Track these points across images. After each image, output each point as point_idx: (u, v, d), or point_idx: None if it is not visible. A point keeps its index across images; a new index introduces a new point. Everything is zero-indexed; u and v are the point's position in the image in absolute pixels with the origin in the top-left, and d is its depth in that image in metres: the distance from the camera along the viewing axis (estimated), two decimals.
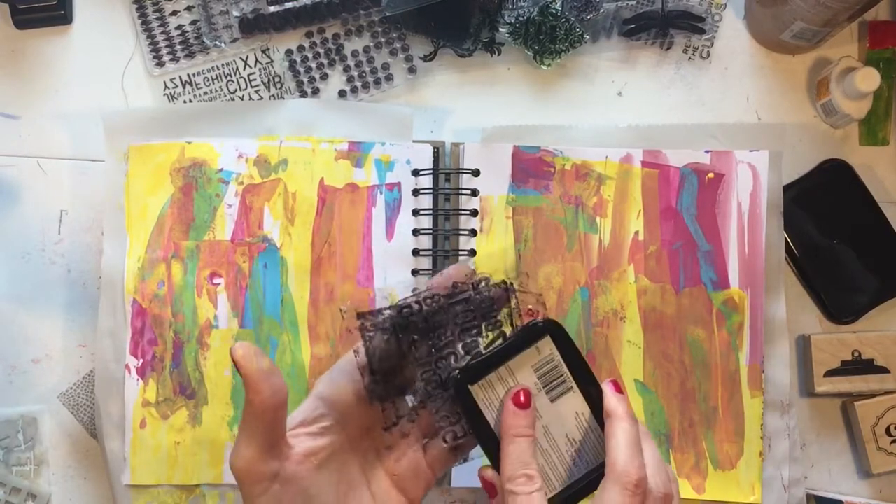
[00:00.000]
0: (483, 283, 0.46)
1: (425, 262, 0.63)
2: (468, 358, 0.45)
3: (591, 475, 0.45)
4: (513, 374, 0.45)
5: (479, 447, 0.47)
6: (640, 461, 0.43)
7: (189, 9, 0.68)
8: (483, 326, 0.46)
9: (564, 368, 0.46)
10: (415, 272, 0.63)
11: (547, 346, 0.45)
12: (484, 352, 0.45)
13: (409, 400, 0.46)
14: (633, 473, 0.42)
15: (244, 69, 0.67)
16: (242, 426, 0.43)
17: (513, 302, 0.47)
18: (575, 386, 0.46)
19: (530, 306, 0.47)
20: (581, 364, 0.46)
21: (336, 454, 0.46)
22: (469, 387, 0.45)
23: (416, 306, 0.45)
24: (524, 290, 0.47)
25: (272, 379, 0.43)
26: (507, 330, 0.46)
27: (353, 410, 0.46)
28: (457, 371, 0.45)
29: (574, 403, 0.46)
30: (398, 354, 0.45)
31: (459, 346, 0.46)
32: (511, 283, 0.47)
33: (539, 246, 0.63)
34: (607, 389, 0.45)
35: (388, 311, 0.45)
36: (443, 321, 0.45)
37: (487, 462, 0.45)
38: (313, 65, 0.67)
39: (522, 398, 0.44)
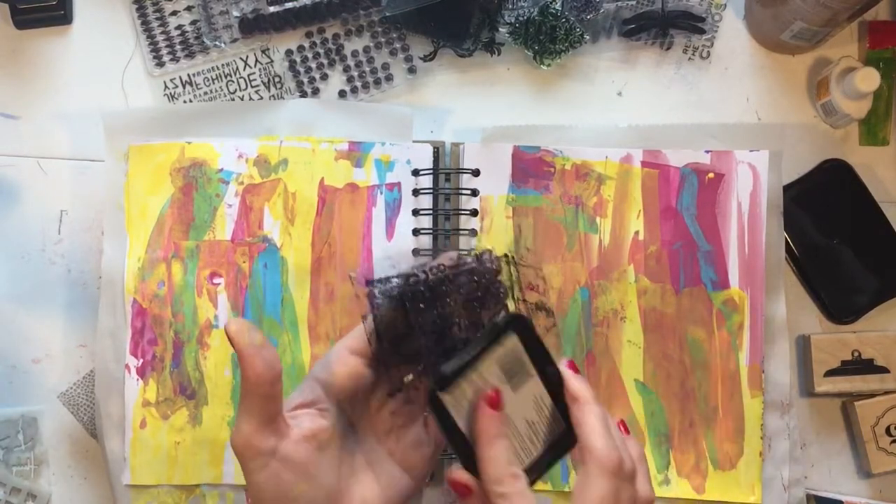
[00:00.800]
0: (486, 255, 0.47)
1: None
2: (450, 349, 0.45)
3: (552, 449, 0.46)
4: (477, 370, 0.45)
5: None
6: (614, 443, 0.43)
7: (189, 9, 0.68)
8: (486, 297, 0.47)
9: (525, 357, 0.45)
10: None
11: (510, 340, 0.45)
12: (453, 359, 0.44)
13: (415, 372, 0.47)
14: (614, 457, 0.43)
15: (244, 69, 0.67)
16: (240, 403, 0.44)
17: (514, 274, 0.47)
18: (534, 371, 0.46)
19: (531, 280, 0.47)
20: (540, 349, 0.46)
21: (337, 437, 0.46)
22: (439, 394, 0.44)
23: (422, 275, 0.45)
24: (524, 264, 0.47)
25: (265, 353, 0.43)
26: (509, 302, 0.47)
27: (349, 394, 0.47)
28: (432, 381, 0.44)
29: (534, 388, 0.46)
30: (404, 322, 0.45)
31: (464, 316, 0.46)
32: (512, 256, 0.48)
33: (539, 246, 0.63)
34: (568, 373, 0.46)
35: (395, 280, 0.45)
36: (447, 291, 0.46)
37: None
38: (313, 65, 0.67)
39: (496, 399, 0.44)
